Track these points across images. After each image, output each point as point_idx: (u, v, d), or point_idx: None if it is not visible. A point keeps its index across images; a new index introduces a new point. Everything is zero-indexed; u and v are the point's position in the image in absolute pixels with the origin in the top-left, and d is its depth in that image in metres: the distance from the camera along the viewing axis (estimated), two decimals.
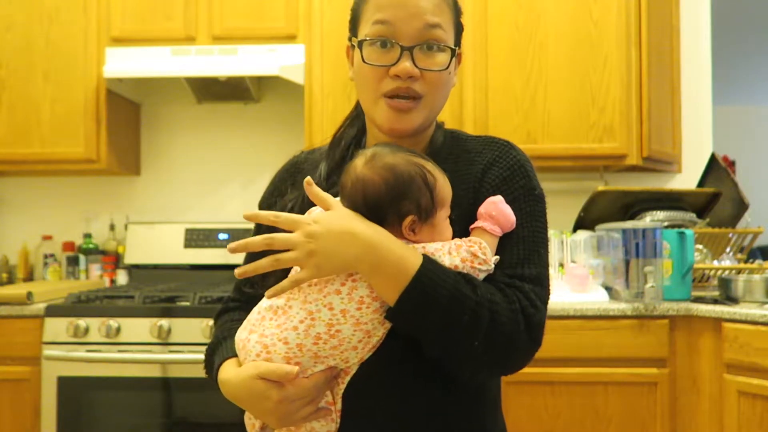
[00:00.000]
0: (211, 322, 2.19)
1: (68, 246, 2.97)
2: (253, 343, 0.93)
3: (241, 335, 0.97)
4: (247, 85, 2.83)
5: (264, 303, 0.96)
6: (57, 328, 2.25)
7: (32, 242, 3.02)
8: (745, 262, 2.58)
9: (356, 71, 1.05)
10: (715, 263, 2.49)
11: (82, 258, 2.93)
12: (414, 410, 0.96)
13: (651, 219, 2.51)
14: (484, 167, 1.03)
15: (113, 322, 2.23)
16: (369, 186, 0.92)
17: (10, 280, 2.94)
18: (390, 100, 1.00)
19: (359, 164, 0.94)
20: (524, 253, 0.97)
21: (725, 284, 2.27)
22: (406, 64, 0.98)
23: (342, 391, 0.95)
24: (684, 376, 2.19)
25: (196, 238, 2.88)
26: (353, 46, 1.05)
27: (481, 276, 0.94)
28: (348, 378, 0.95)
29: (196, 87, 2.89)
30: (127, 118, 2.95)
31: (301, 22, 2.69)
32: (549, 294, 0.99)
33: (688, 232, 2.27)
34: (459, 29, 1.07)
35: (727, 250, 2.56)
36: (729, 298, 2.23)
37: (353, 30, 1.07)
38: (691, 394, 2.18)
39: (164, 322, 2.23)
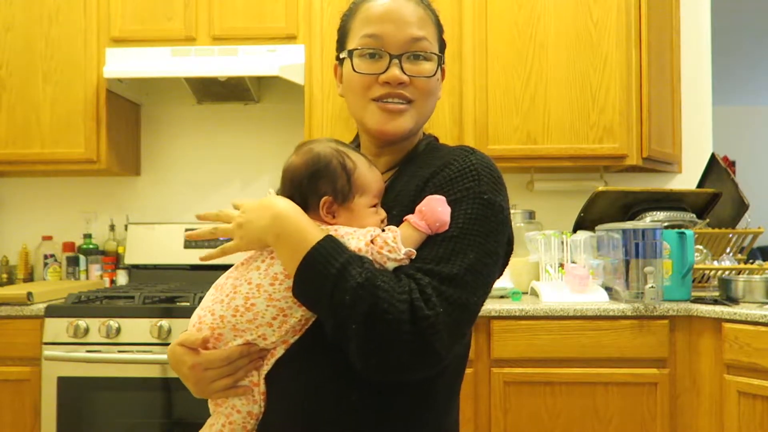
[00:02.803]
0: None
1: (68, 246, 2.97)
2: (194, 316, 1.02)
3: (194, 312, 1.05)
4: (247, 85, 2.83)
5: (215, 283, 1.04)
6: (57, 328, 2.25)
7: (32, 242, 3.02)
8: (745, 262, 2.58)
9: (346, 82, 1.09)
10: (715, 264, 2.49)
11: (82, 258, 2.93)
12: (342, 403, 0.95)
13: (651, 219, 2.51)
14: (437, 168, 1.02)
15: (113, 323, 2.23)
16: (293, 168, 1.01)
17: (10, 281, 2.94)
18: (381, 102, 1.05)
19: (292, 154, 1.04)
20: (444, 252, 0.93)
21: (725, 285, 2.27)
22: (395, 71, 1.03)
23: (265, 372, 0.97)
24: (684, 376, 2.19)
25: None
26: (341, 62, 1.11)
27: (390, 265, 0.93)
28: (273, 360, 0.97)
29: (196, 87, 2.89)
30: (127, 118, 2.95)
31: (301, 22, 2.69)
32: (467, 301, 0.91)
33: (688, 232, 2.27)
34: (442, 45, 1.13)
35: (727, 250, 2.55)
36: (729, 299, 2.23)
37: (341, 47, 1.12)
38: (691, 394, 2.19)
39: (164, 322, 2.23)
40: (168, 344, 2.19)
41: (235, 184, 3.07)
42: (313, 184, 0.99)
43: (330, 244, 0.91)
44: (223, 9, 2.70)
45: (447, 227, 0.94)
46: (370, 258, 0.92)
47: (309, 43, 2.67)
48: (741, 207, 2.62)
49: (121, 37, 2.70)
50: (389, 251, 0.93)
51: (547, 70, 2.64)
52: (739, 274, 2.42)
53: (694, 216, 2.60)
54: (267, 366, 0.97)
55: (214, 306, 0.98)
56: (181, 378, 1.02)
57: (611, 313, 2.18)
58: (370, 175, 1.02)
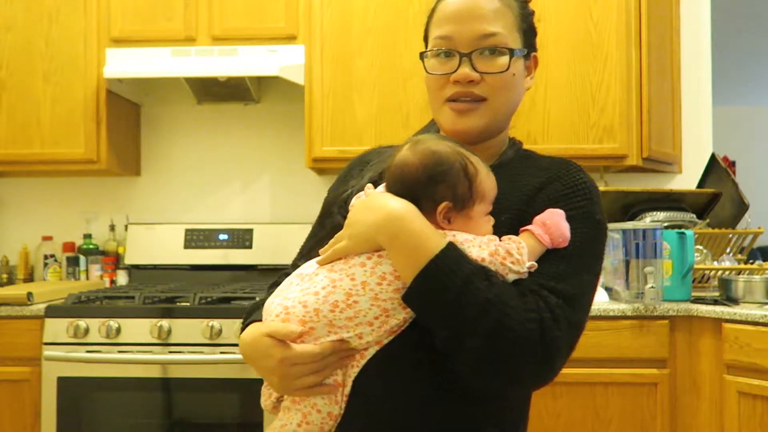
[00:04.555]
0: (211, 322, 2.20)
1: (68, 246, 2.97)
2: (276, 305, 0.95)
3: (269, 299, 0.99)
4: (247, 85, 2.83)
5: (296, 272, 0.99)
6: (57, 328, 2.25)
7: (32, 243, 3.01)
8: (745, 262, 2.58)
9: (424, 82, 1.09)
10: (716, 264, 2.49)
11: (82, 258, 2.93)
12: (427, 408, 0.93)
13: (651, 219, 2.51)
14: (547, 180, 1.02)
15: (113, 323, 2.23)
16: (408, 167, 0.94)
17: (10, 281, 2.93)
18: (452, 103, 1.04)
19: (404, 149, 0.97)
20: (564, 271, 0.93)
21: (725, 285, 2.27)
22: (465, 70, 1.02)
23: (355, 374, 0.93)
24: (684, 376, 2.19)
25: (196, 238, 2.88)
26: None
27: (511, 277, 0.91)
28: (363, 362, 0.92)
29: (196, 87, 2.89)
30: (128, 118, 2.94)
31: (301, 22, 2.68)
32: (581, 322, 0.94)
33: (688, 232, 2.27)
34: (528, 32, 1.09)
35: (727, 250, 2.55)
36: (729, 299, 2.23)
37: (426, 48, 1.11)
38: (692, 394, 2.18)
39: (164, 322, 2.23)
40: (168, 344, 2.21)
41: (235, 184, 3.07)
42: (431, 187, 0.93)
43: (453, 252, 0.88)
44: (223, 9, 2.69)
45: (566, 243, 0.94)
46: (492, 269, 0.90)
47: (309, 43, 2.67)
48: (741, 207, 2.61)
49: (121, 38, 2.70)
50: (512, 263, 0.90)
51: (547, 70, 2.64)
52: (739, 274, 2.42)
53: (694, 216, 2.60)
54: (357, 367, 0.93)
55: (305, 297, 0.92)
56: (260, 371, 0.97)
57: (611, 313, 2.18)
58: (489, 181, 0.96)
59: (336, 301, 0.90)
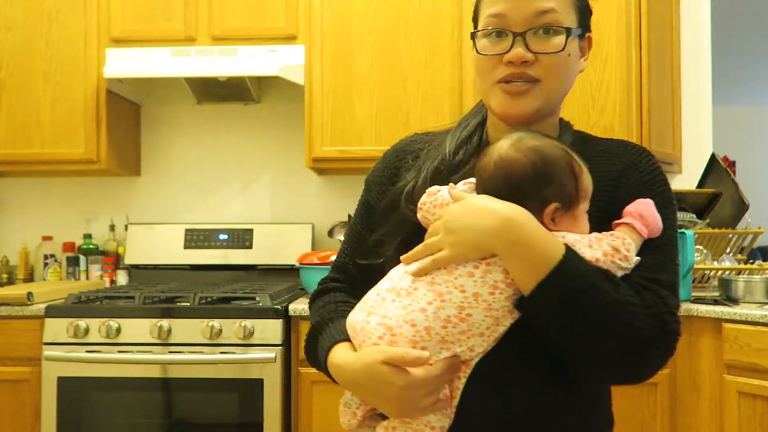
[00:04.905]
0: (211, 322, 2.19)
1: (68, 246, 2.97)
2: (374, 325, 0.89)
3: (358, 317, 0.93)
4: (247, 85, 2.83)
5: (384, 284, 0.93)
6: (57, 328, 2.25)
7: (32, 243, 3.02)
8: (745, 262, 2.58)
9: (474, 63, 1.05)
10: (715, 264, 2.48)
11: (82, 258, 2.93)
12: (527, 410, 0.92)
13: None
14: (623, 168, 1.00)
15: (113, 323, 2.23)
16: (514, 166, 0.90)
17: (10, 281, 2.94)
18: (504, 85, 0.99)
19: (504, 146, 0.92)
20: (662, 261, 0.93)
21: (725, 285, 2.27)
22: (518, 50, 0.97)
23: (463, 384, 0.90)
24: (684, 376, 2.19)
25: (196, 238, 2.88)
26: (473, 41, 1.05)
27: (619, 273, 0.90)
28: (469, 371, 0.90)
29: (196, 87, 2.89)
30: (128, 118, 2.95)
31: (301, 22, 2.68)
32: (680, 306, 0.97)
33: (689, 232, 2.27)
34: (584, 12, 1.06)
35: (728, 250, 2.55)
36: (729, 299, 2.23)
37: (475, 27, 1.06)
38: (692, 394, 2.18)
39: (164, 322, 2.23)
40: (168, 344, 2.21)
41: (235, 184, 3.07)
42: (540, 186, 0.89)
43: (574, 256, 0.86)
44: (223, 9, 2.69)
45: (659, 233, 0.94)
46: (605, 268, 0.88)
47: (309, 43, 2.67)
48: (741, 207, 2.61)
49: (121, 38, 2.70)
50: (620, 259, 0.89)
51: None
52: (739, 274, 2.42)
53: (694, 216, 2.59)
54: (464, 378, 0.90)
55: (411, 315, 0.87)
56: (374, 398, 0.91)
57: None
58: (589, 178, 0.93)
59: (448, 316, 0.86)
